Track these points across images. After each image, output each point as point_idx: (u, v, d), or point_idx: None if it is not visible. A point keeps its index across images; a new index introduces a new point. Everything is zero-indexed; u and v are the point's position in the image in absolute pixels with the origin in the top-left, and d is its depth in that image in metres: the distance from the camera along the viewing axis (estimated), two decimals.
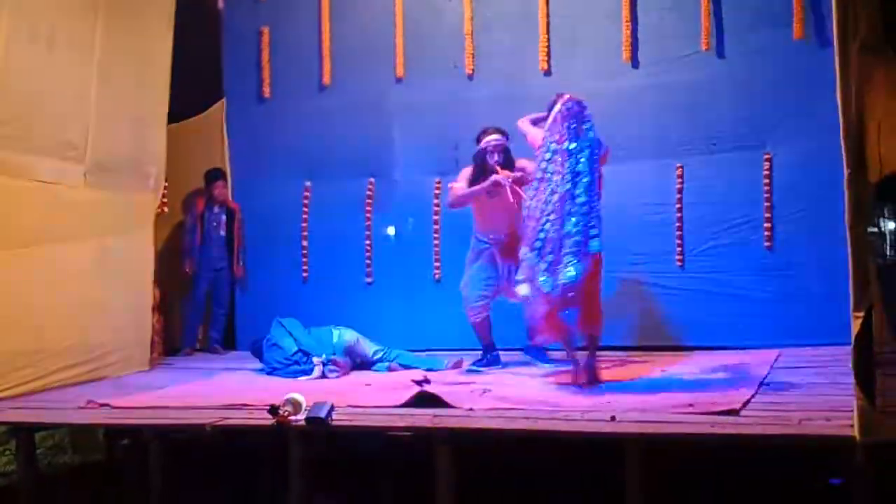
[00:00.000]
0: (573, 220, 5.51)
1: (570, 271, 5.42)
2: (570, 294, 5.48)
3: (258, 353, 7.22)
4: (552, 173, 5.67)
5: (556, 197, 5.59)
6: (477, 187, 6.55)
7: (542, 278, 5.52)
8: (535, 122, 6.32)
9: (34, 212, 6.32)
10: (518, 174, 6.43)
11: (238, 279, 8.66)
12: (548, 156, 5.73)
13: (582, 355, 5.90)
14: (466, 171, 6.71)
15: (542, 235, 5.59)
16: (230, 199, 8.59)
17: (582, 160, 5.64)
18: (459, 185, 6.66)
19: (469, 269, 6.79)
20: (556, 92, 6.10)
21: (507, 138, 6.64)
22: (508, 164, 6.59)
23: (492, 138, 6.62)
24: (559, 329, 5.79)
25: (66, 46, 6.55)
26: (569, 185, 5.58)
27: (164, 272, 8.25)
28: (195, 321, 8.59)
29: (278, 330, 7.09)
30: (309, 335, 7.01)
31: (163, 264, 8.22)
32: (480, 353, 6.81)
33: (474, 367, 6.70)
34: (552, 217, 5.57)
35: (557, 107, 5.84)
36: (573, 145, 5.67)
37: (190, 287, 8.58)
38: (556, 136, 5.73)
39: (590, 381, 5.78)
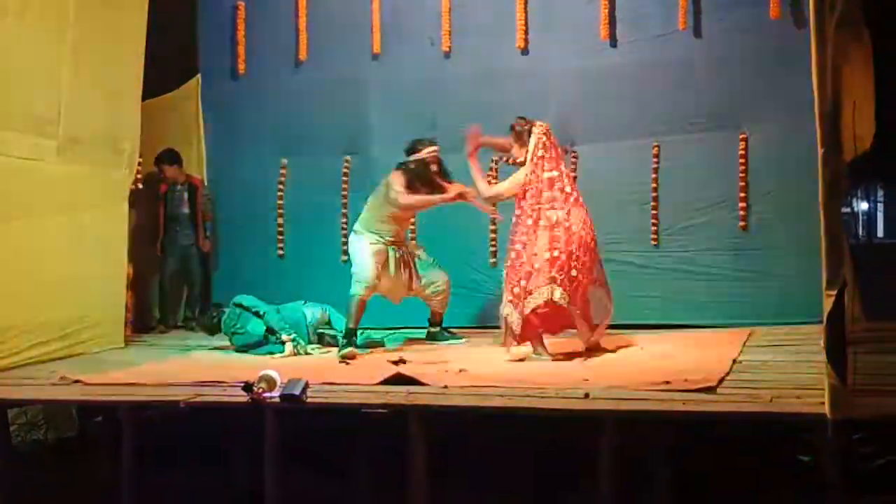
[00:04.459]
0: None
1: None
2: None
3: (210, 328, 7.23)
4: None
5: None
6: (438, 198, 6.61)
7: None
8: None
9: (6, 187, 6.23)
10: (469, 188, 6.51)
11: (207, 253, 8.58)
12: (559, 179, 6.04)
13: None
14: (401, 178, 6.67)
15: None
16: (191, 174, 8.45)
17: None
18: (402, 191, 6.62)
19: (366, 257, 6.70)
20: (518, 116, 6.23)
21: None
22: (444, 174, 6.70)
23: (432, 149, 6.66)
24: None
25: (37, 20, 6.44)
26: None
27: (139, 250, 8.19)
28: (167, 299, 8.54)
29: (243, 316, 6.98)
30: (278, 314, 6.97)
31: (137, 242, 8.15)
32: (344, 339, 6.61)
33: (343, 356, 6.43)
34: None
35: (540, 131, 6.06)
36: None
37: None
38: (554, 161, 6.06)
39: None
